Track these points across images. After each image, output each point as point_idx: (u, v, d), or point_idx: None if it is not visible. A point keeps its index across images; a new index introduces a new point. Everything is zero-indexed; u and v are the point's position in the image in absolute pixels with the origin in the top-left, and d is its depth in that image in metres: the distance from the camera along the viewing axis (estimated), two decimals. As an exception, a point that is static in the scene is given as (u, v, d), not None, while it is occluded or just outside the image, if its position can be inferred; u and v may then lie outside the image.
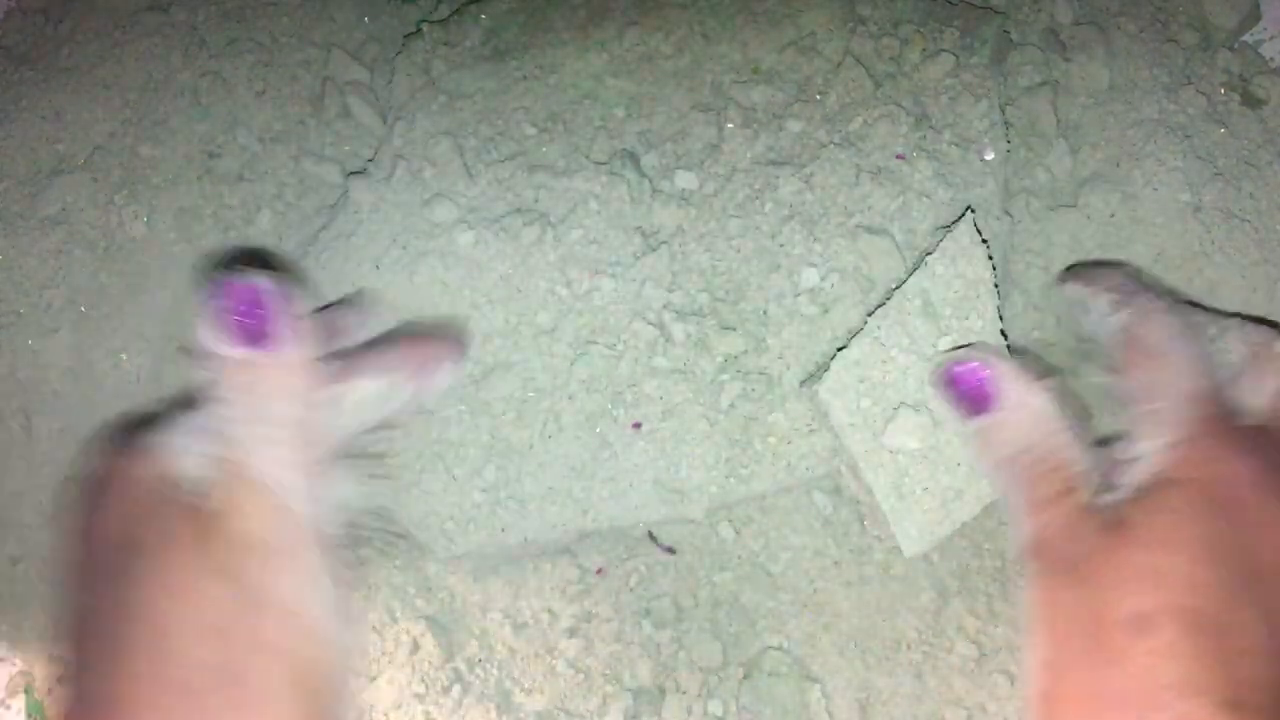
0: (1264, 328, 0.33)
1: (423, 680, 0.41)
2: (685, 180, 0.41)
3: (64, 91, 0.46)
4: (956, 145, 0.40)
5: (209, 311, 0.28)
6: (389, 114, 0.44)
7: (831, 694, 0.39)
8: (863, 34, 0.42)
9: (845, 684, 0.39)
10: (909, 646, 0.39)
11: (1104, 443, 0.32)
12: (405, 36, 0.46)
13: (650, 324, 0.39)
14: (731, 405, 0.38)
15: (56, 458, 0.44)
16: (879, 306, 0.36)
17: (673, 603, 0.40)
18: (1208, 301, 0.41)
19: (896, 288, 0.37)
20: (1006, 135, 0.40)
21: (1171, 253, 0.41)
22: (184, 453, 0.29)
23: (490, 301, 0.40)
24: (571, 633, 0.40)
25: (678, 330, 0.39)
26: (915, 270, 0.36)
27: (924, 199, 0.39)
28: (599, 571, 0.40)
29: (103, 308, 0.44)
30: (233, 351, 0.28)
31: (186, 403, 0.30)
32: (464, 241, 0.40)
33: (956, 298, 0.35)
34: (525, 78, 0.43)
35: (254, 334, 0.28)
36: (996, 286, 0.36)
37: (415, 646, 0.41)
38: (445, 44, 0.45)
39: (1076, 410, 0.32)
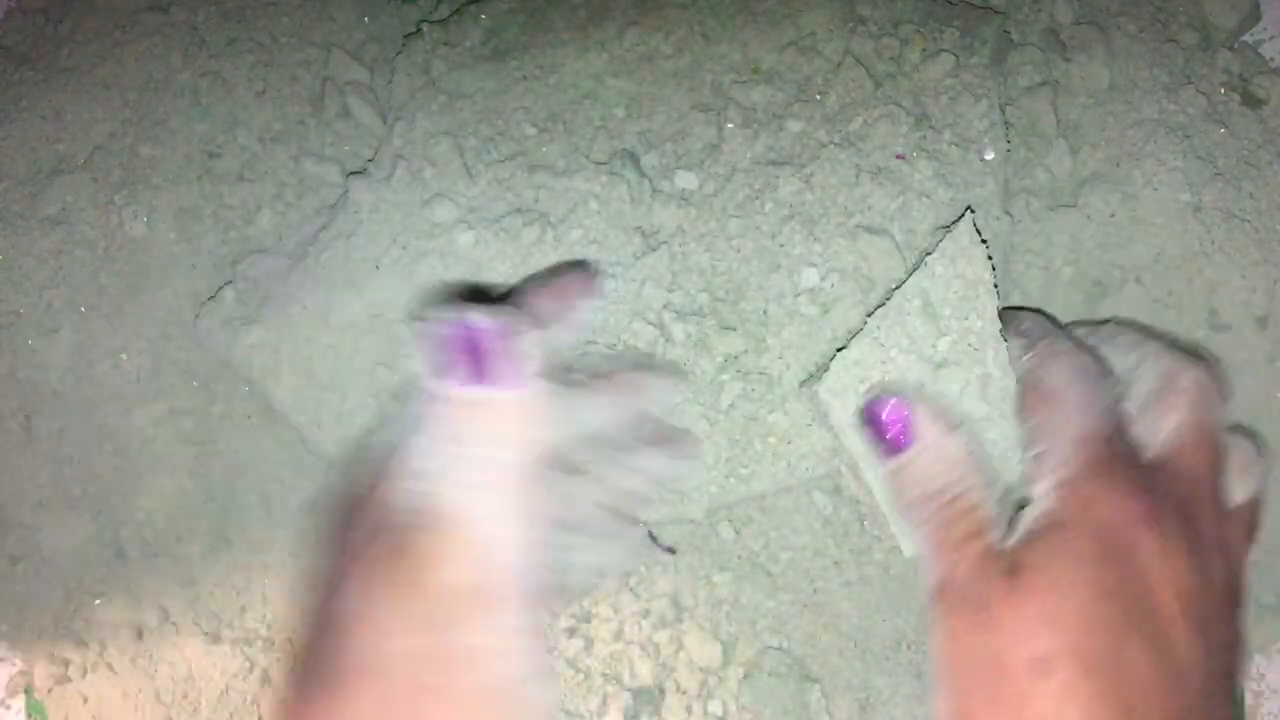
0: (1178, 359, 0.33)
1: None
2: (685, 180, 0.41)
3: (64, 91, 0.46)
4: (956, 145, 0.40)
5: (430, 350, 0.27)
6: (389, 114, 0.44)
7: (831, 694, 0.39)
8: (863, 34, 0.42)
9: (845, 684, 0.39)
10: (909, 646, 0.39)
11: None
12: (405, 36, 0.46)
13: (650, 324, 0.39)
14: (731, 405, 0.38)
15: (56, 458, 0.44)
16: (879, 306, 0.36)
17: (673, 603, 0.40)
18: (1208, 301, 0.41)
19: (896, 288, 0.37)
20: (1006, 135, 0.40)
21: (1171, 253, 0.41)
22: (407, 485, 0.28)
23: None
24: (571, 633, 0.40)
25: (678, 330, 0.39)
26: (915, 270, 0.36)
27: (924, 199, 0.39)
28: (599, 571, 0.40)
29: (103, 308, 0.44)
30: (453, 392, 0.27)
31: (418, 431, 0.29)
32: (464, 241, 0.40)
33: (956, 298, 0.35)
34: (525, 78, 0.43)
35: (475, 375, 0.27)
36: (996, 286, 0.36)
37: (415, 646, 0.41)
38: (445, 44, 0.45)
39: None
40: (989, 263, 0.35)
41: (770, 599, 0.40)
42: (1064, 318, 0.41)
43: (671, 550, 0.40)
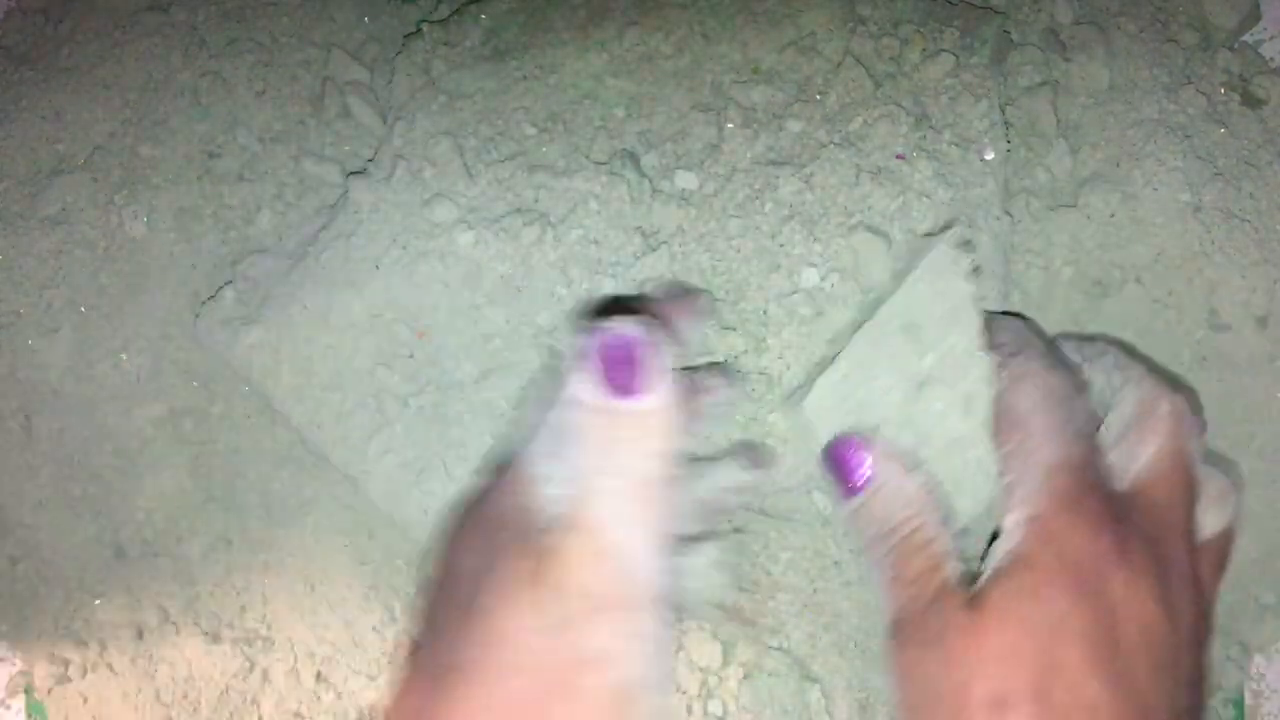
0: (1158, 387, 0.32)
1: (423, 680, 0.41)
2: (685, 180, 0.41)
3: (64, 91, 0.46)
4: (956, 145, 0.40)
5: (579, 358, 0.27)
6: (389, 114, 0.44)
7: (831, 694, 0.39)
8: (863, 34, 0.42)
9: (845, 684, 0.39)
10: (909, 646, 0.39)
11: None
12: (405, 36, 0.46)
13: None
14: (731, 405, 0.38)
15: (56, 458, 0.44)
16: (866, 321, 0.36)
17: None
18: (1208, 301, 0.41)
19: (880, 304, 0.37)
20: (1006, 135, 0.40)
21: (1171, 253, 0.41)
22: (544, 490, 0.29)
23: (490, 301, 0.40)
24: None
25: (678, 330, 0.39)
26: (898, 286, 0.35)
27: (924, 199, 0.39)
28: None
29: (103, 308, 0.44)
30: (597, 400, 0.27)
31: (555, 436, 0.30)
32: (464, 241, 0.40)
33: (938, 315, 0.34)
34: (525, 78, 0.43)
35: (620, 385, 0.27)
36: (983, 300, 0.35)
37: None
38: (445, 44, 0.45)
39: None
40: (973, 276, 0.35)
41: (770, 599, 0.40)
42: (1064, 318, 0.42)
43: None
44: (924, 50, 0.41)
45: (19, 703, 0.43)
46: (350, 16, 0.48)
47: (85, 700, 0.42)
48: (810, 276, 0.39)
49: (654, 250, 0.40)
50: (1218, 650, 0.40)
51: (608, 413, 0.27)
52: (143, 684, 0.42)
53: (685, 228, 0.40)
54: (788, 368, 0.38)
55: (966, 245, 0.36)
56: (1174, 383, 0.33)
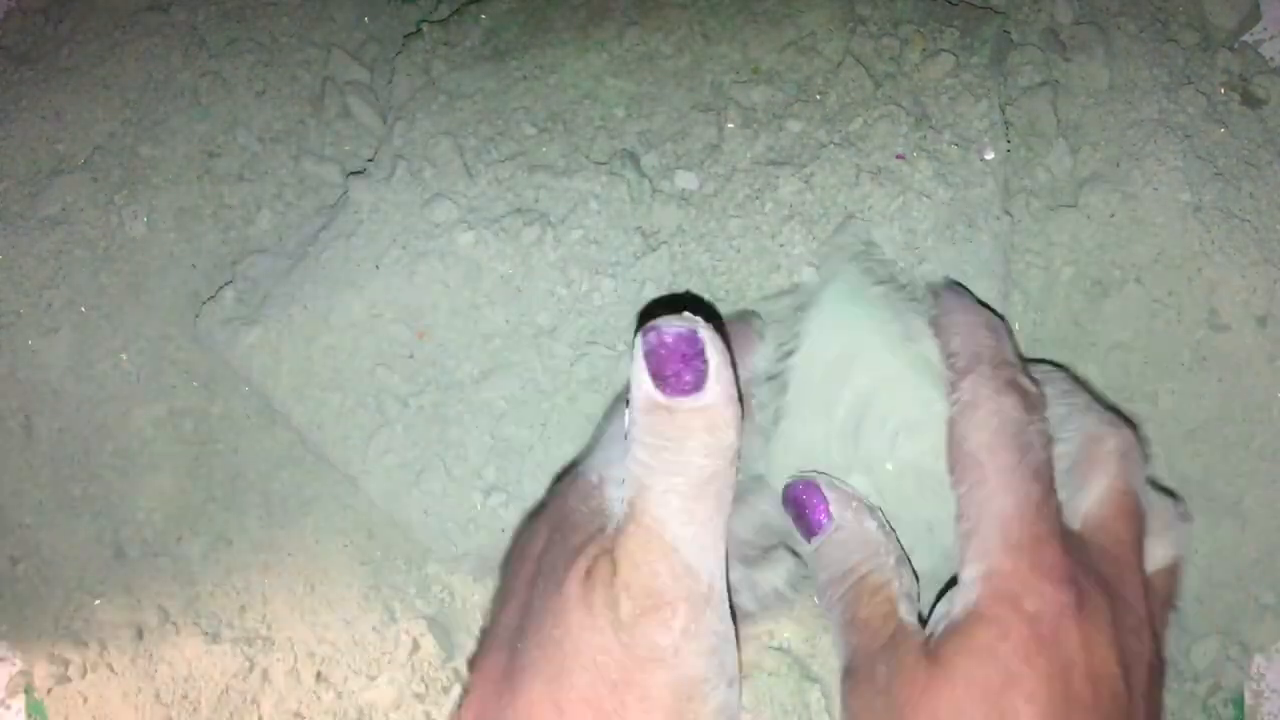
0: (1103, 421, 0.31)
1: (423, 680, 0.41)
2: (685, 180, 0.41)
3: (64, 91, 0.46)
4: (956, 145, 0.40)
5: (649, 358, 0.27)
6: (389, 114, 0.44)
7: (831, 694, 0.39)
8: (863, 34, 0.42)
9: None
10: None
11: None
12: (405, 36, 0.46)
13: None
14: (731, 405, 0.38)
15: (56, 458, 0.44)
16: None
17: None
18: (1208, 301, 0.41)
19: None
20: (1006, 135, 0.40)
21: (1171, 253, 0.41)
22: (609, 493, 0.30)
23: (490, 301, 0.40)
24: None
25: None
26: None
27: (924, 199, 0.39)
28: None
29: (103, 308, 0.44)
30: (656, 397, 0.27)
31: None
32: (464, 241, 0.40)
33: (853, 346, 0.33)
34: (525, 78, 0.43)
35: (678, 381, 0.27)
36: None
37: (415, 646, 0.41)
38: (445, 44, 0.45)
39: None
40: (890, 292, 0.34)
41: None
42: (1064, 318, 0.42)
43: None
44: (924, 50, 0.41)
45: (19, 703, 0.43)
46: (350, 16, 0.48)
47: (85, 700, 0.42)
48: (810, 276, 0.39)
49: (654, 250, 0.40)
50: (1218, 650, 0.40)
51: (666, 410, 0.27)
52: (143, 684, 0.42)
53: (685, 228, 0.40)
54: (788, 368, 0.38)
55: (868, 250, 0.35)
56: (1118, 417, 0.32)
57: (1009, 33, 0.44)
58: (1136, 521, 0.31)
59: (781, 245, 0.39)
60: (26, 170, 0.46)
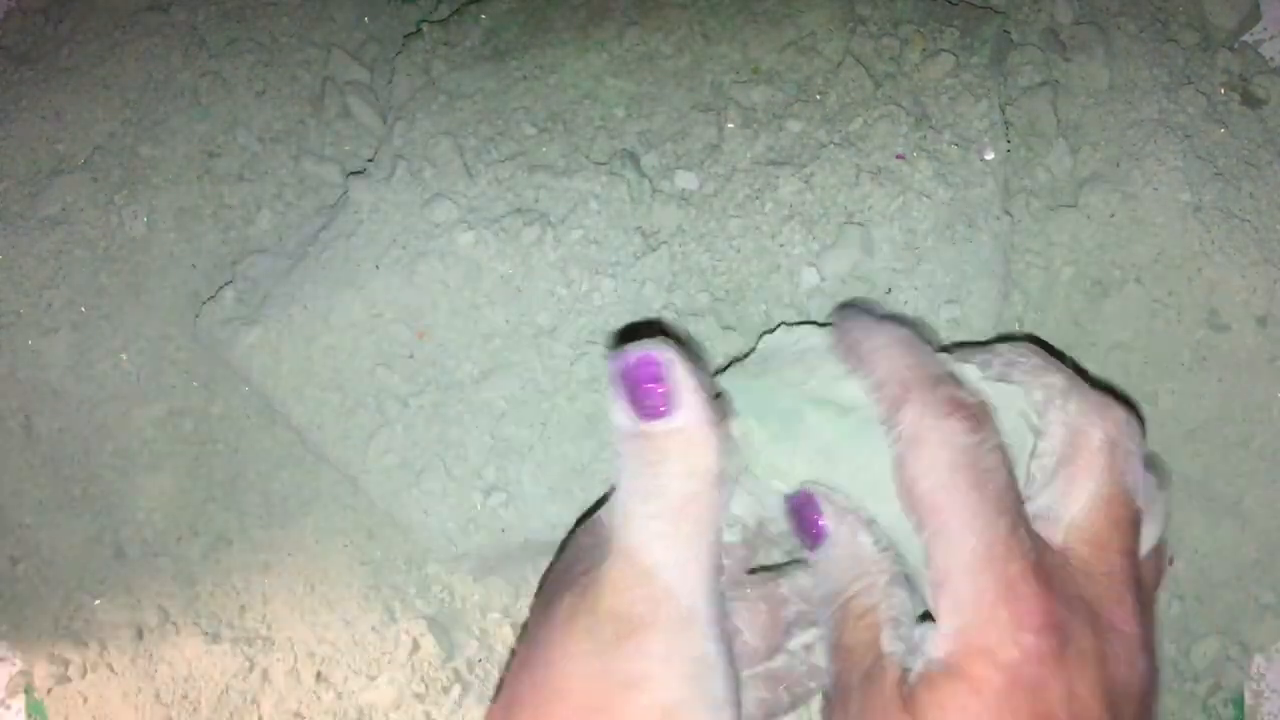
0: (1086, 404, 0.28)
1: (423, 680, 0.41)
2: (685, 180, 0.41)
3: (64, 91, 0.46)
4: (956, 145, 0.40)
5: (617, 385, 0.28)
6: (389, 114, 0.44)
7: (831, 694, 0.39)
8: (863, 34, 0.42)
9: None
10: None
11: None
12: (405, 36, 0.46)
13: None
14: (731, 405, 0.38)
15: (56, 458, 0.44)
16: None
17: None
18: (1208, 301, 0.41)
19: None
20: (1006, 135, 0.40)
21: (1171, 253, 0.41)
22: (605, 519, 0.29)
23: (490, 301, 0.40)
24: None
25: (678, 330, 0.39)
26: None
27: (924, 199, 0.39)
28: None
29: (103, 308, 0.44)
30: (629, 424, 0.27)
31: None
32: (464, 241, 0.40)
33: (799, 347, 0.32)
34: (525, 78, 0.43)
35: (649, 406, 0.27)
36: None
37: (415, 646, 0.41)
38: (445, 44, 0.45)
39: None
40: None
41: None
42: (1064, 318, 0.42)
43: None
44: (924, 50, 0.41)
45: (19, 703, 0.43)
46: (350, 16, 0.48)
47: (85, 700, 0.42)
48: (810, 276, 0.39)
49: (654, 250, 0.40)
50: (1217, 650, 0.40)
51: (641, 436, 0.27)
52: (143, 684, 0.42)
53: (685, 228, 0.40)
54: (788, 368, 0.38)
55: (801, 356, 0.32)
56: (1105, 395, 0.29)
57: (1009, 33, 0.44)
58: (1129, 529, 0.28)
59: (781, 245, 0.39)
60: (26, 170, 0.46)
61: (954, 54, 0.41)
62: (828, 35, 0.42)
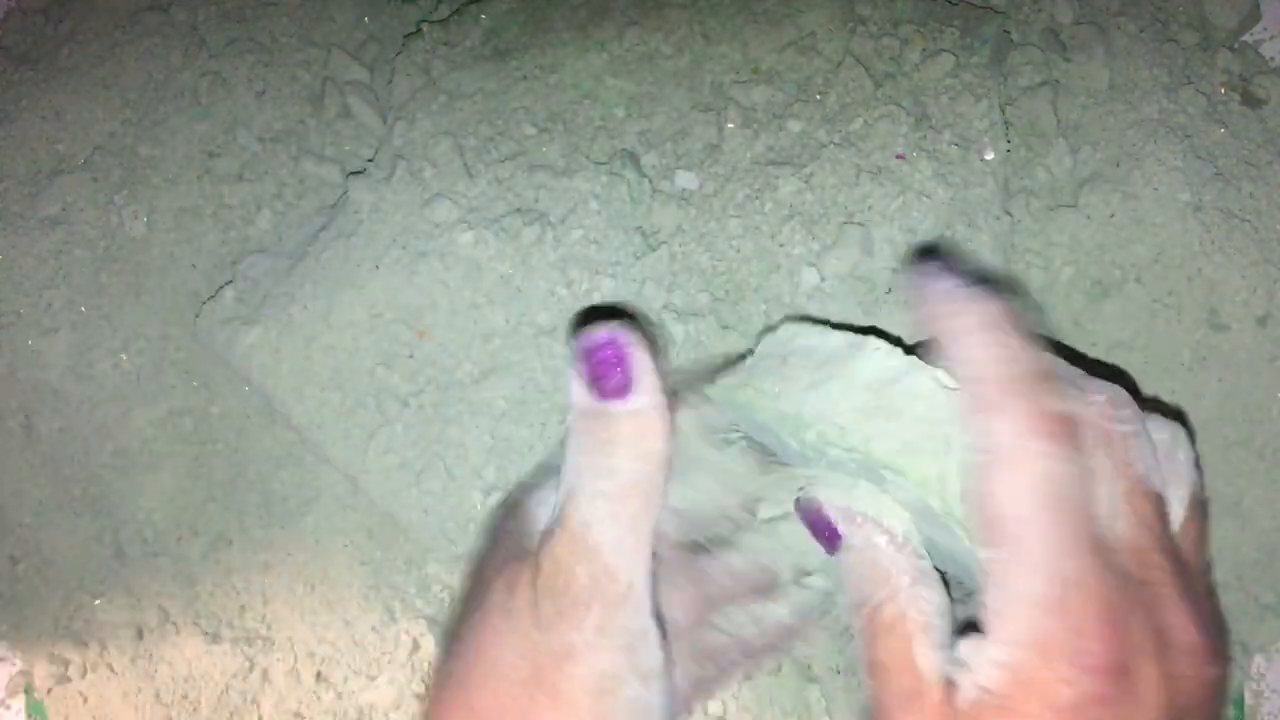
0: (1154, 418, 0.27)
1: (423, 680, 0.41)
2: (685, 180, 0.41)
3: (64, 91, 0.46)
4: (956, 145, 0.40)
5: (577, 365, 0.28)
6: (389, 114, 0.44)
7: (831, 694, 0.39)
8: (863, 34, 0.42)
9: (845, 684, 0.39)
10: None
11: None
12: (405, 36, 0.46)
13: (650, 324, 0.39)
14: (731, 405, 0.38)
15: (56, 458, 0.44)
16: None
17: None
18: (1208, 301, 0.41)
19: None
20: (1006, 135, 0.40)
21: (1171, 253, 0.41)
22: (536, 510, 0.30)
23: (490, 301, 0.40)
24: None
25: (678, 330, 0.39)
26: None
27: (924, 199, 0.39)
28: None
29: (103, 308, 0.44)
30: (587, 402, 0.27)
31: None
32: (464, 241, 0.40)
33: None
34: (525, 78, 0.43)
35: (607, 385, 0.27)
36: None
37: (415, 646, 0.41)
38: (445, 44, 0.45)
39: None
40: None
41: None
42: (1064, 318, 0.42)
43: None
44: (924, 50, 0.41)
45: (19, 703, 0.43)
46: (350, 16, 0.48)
47: (85, 700, 0.42)
48: (810, 276, 0.39)
49: (654, 250, 0.40)
50: (1218, 650, 0.40)
51: (597, 416, 0.28)
52: (143, 684, 0.42)
53: (685, 228, 0.40)
54: (788, 368, 0.38)
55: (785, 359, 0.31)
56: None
57: (1009, 33, 0.44)
58: (1158, 520, 0.26)
59: (781, 245, 0.39)
60: (26, 170, 0.46)
61: (954, 54, 0.41)
62: (828, 35, 0.42)
